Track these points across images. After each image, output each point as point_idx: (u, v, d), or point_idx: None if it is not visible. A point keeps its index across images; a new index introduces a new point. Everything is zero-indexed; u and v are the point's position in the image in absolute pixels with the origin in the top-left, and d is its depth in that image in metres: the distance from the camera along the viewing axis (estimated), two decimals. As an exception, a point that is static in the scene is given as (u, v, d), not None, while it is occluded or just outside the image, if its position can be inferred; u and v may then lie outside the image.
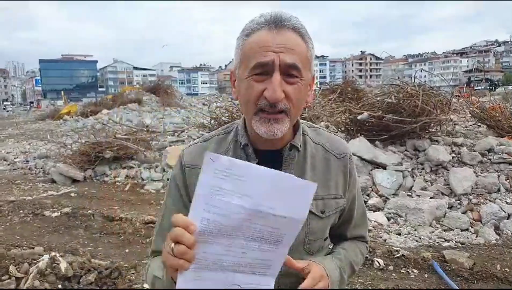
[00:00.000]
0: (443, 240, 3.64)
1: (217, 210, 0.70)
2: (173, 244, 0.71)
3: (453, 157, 5.01)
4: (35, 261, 2.80)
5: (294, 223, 0.73)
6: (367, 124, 5.53)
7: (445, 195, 4.49)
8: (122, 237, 4.04)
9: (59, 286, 2.59)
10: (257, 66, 0.84)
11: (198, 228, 0.70)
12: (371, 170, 4.98)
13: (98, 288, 2.70)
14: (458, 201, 4.35)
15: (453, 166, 4.81)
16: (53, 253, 2.86)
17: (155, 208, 5.12)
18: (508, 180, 4.52)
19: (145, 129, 9.47)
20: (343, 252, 1.04)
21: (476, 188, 4.43)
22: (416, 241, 3.65)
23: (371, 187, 4.77)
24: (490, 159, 4.88)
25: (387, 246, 3.37)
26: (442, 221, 4.01)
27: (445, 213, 4.10)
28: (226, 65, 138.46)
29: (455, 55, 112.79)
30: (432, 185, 4.65)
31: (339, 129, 6.56)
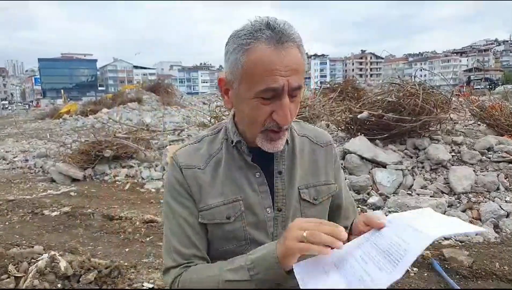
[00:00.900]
0: (443, 238, 3.64)
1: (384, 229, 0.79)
2: (305, 232, 0.75)
3: (453, 155, 5.01)
4: (34, 260, 2.80)
5: (424, 240, 0.68)
6: (367, 123, 5.53)
7: (445, 193, 4.49)
8: (122, 236, 4.04)
9: (59, 285, 2.58)
10: (267, 91, 0.83)
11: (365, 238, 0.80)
12: (371, 169, 4.98)
13: (97, 287, 2.70)
14: (458, 200, 4.35)
15: (452, 165, 4.82)
16: (52, 252, 2.85)
17: (155, 207, 5.12)
18: (507, 179, 4.52)
19: (145, 128, 9.47)
20: None
21: (476, 186, 4.43)
22: (416, 239, 3.65)
23: (371, 186, 4.78)
24: (489, 158, 4.89)
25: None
26: (442, 220, 4.01)
27: (445, 212, 4.09)
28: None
29: (455, 54, 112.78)
30: (432, 183, 4.65)
31: (339, 128, 6.56)
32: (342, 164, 5.02)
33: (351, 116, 5.85)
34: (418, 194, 4.48)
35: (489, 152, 4.99)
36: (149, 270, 3.14)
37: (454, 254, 3.14)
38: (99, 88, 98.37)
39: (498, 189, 4.39)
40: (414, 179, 4.75)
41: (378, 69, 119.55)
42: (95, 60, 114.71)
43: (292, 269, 0.78)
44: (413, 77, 6.30)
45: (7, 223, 4.50)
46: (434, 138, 5.37)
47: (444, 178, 4.68)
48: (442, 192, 4.51)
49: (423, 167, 4.93)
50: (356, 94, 9.48)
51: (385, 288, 0.66)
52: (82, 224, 4.41)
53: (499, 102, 6.87)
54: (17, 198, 5.60)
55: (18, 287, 2.56)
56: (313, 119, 6.97)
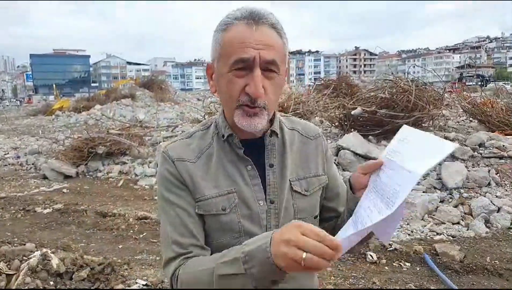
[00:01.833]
0: (435, 233, 3.68)
1: (384, 167, 0.85)
2: (304, 254, 0.68)
3: (445, 151, 5.05)
4: (26, 258, 2.78)
5: (412, 178, 0.76)
6: (360, 119, 5.56)
7: (437, 189, 4.53)
8: (115, 233, 4.02)
9: (51, 283, 2.57)
10: (238, 62, 0.87)
11: (371, 186, 0.85)
12: (364, 165, 5.00)
13: (90, 284, 2.68)
14: (450, 195, 4.39)
15: (445, 161, 4.86)
16: (44, 250, 2.83)
17: (149, 204, 5.10)
18: (498, 174, 4.57)
19: (139, 125, 9.42)
20: None
21: (467, 182, 4.48)
22: (409, 234, 3.68)
23: (364, 181, 4.80)
24: (481, 154, 4.94)
25: (380, 240, 3.40)
26: (434, 215, 4.05)
27: (437, 207, 4.14)
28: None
29: (447, 51, 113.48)
30: (424, 179, 4.69)
31: (333, 124, 6.58)
32: (335, 160, 5.03)
33: (344, 112, 5.88)
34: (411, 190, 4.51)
35: (481, 148, 5.04)
36: (143, 266, 3.13)
37: (446, 249, 3.18)
38: (92, 84, 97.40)
39: (489, 184, 4.44)
40: (407, 175, 4.78)
41: (372, 66, 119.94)
42: (88, 56, 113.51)
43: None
44: (406, 73, 6.34)
45: (-2, 220, 4.45)
46: (426, 134, 5.41)
47: (437, 174, 4.72)
48: (435, 188, 4.55)
49: (415, 163, 4.97)
50: (349, 91, 9.51)
51: (375, 222, 0.76)
52: (75, 221, 4.38)
53: (490, 98, 6.93)
54: (9, 195, 5.54)
55: (10, 285, 2.54)
56: (307, 115, 6.98)
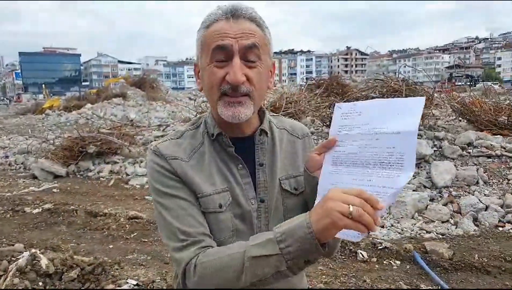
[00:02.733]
0: (425, 231, 3.73)
1: (343, 143, 0.86)
2: (351, 207, 0.72)
3: (434, 150, 5.12)
4: (14, 259, 2.74)
5: (408, 136, 0.77)
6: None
7: (427, 187, 4.59)
8: (106, 232, 3.99)
9: (40, 284, 2.53)
10: (216, 49, 0.87)
11: (331, 163, 0.86)
12: (356, 164, 5.04)
13: (80, 284, 2.66)
14: (439, 194, 4.45)
15: (434, 160, 4.92)
16: (33, 250, 2.79)
17: (140, 203, 5.07)
18: (486, 173, 4.64)
19: (130, 124, 9.35)
20: None
21: (456, 180, 4.55)
22: (399, 233, 3.72)
23: (355, 180, 4.84)
24: (469, 153, 5.01)
25: (371, 239, 3.43)
26: (424, 213, 4.10)
27: (427, 206, 4.19)
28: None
29: (437, 51, 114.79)
30: (414, 178, 4.75)
31: (324, 124, 6.61)
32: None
33: (336, 111, 5.91)
34: (401, 189, 4.56)
35: (469, 147, 5.12)
36: (133, 266, 3.12)
37: (435, 247, 3.22)
38: (83, 83, 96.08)
39: (477, 183, 4.51)
40: (397, 174, 4.83)
41: (363, 66, 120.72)
42: (79, 55, 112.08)
43: (326, 243, 0.77)
44: (397, 73, 6.40)
45: (-14, 221, 4.38)
46: (417, 133, 5.47)
47: (427, 173, 4.78)
48: (424, 186, 4.61)
49: (406, 162, 5.03)
50: (341, 90, 9.57)
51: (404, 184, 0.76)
52: (65, 221, 4.34)
53: (479, 98, 7.04)
54: (-3, 196, 5.46)
55: (-2, 286, 2.50)
56: (299, 114, 7.01)
